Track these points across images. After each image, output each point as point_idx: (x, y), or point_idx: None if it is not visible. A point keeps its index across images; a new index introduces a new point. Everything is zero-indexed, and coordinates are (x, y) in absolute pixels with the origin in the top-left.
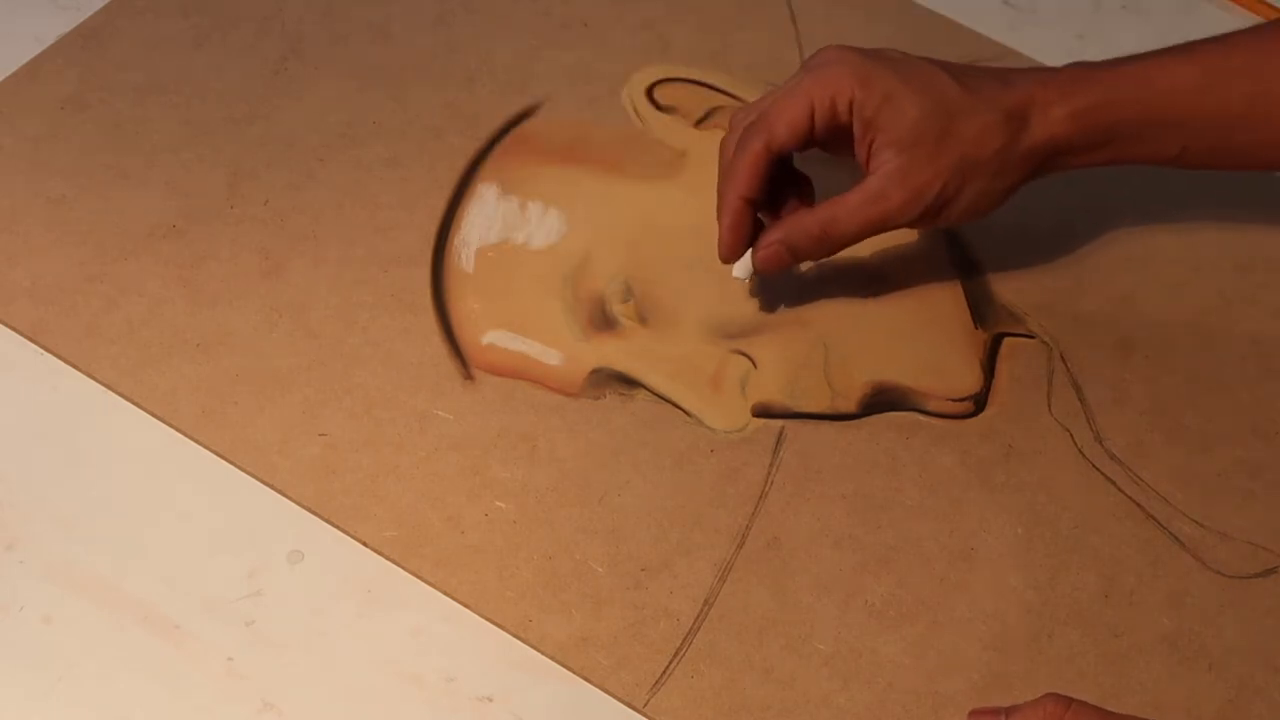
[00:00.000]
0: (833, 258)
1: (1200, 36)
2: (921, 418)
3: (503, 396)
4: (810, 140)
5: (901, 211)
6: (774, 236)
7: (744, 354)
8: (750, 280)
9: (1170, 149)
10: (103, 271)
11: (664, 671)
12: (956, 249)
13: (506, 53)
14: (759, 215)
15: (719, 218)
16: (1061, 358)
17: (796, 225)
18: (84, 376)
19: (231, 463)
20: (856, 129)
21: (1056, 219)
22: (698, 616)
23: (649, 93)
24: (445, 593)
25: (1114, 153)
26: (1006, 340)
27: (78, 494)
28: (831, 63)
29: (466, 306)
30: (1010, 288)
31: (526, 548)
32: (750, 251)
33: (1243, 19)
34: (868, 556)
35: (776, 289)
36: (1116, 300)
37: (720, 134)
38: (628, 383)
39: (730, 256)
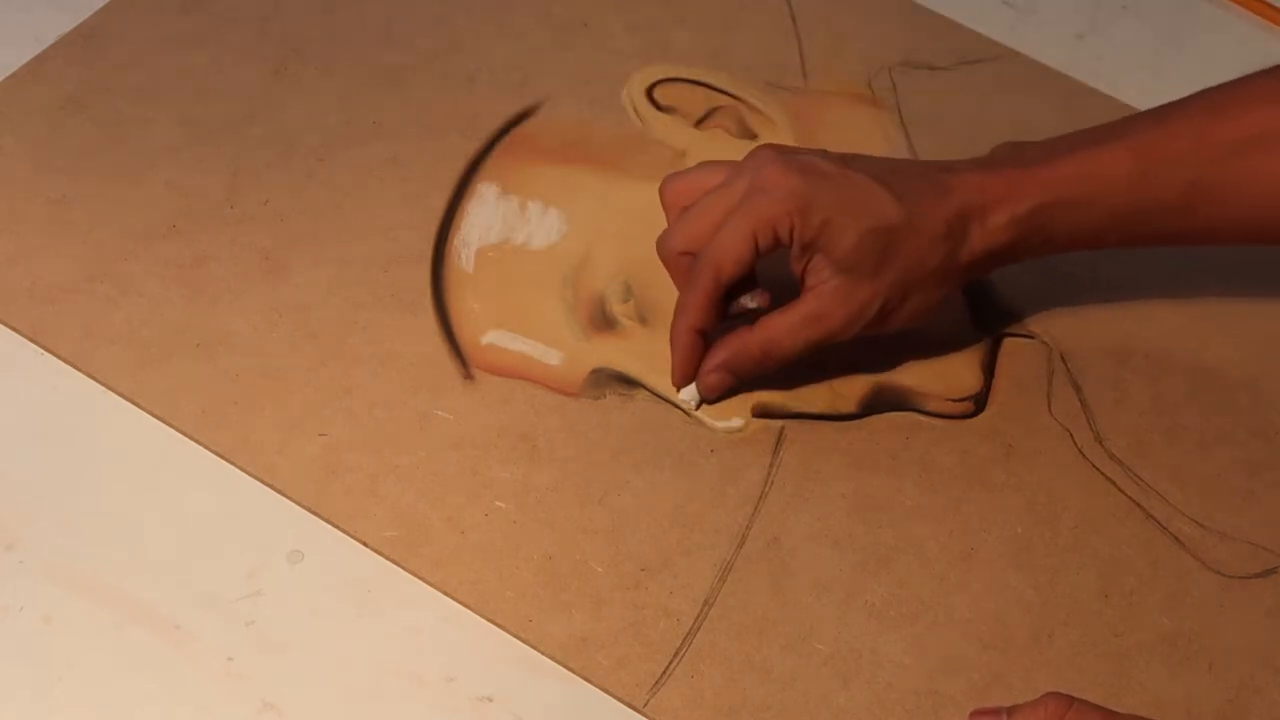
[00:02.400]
0: None
1: (1199, 36)
2: (921, 418)
3: (503, 396)
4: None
5: (841, 330)
6: (716, 361)
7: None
8: (696, 404)
9: (1109, 240)
10: (103, 271)
11: (664, 671)
12: None
13: (506, 53)
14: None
15: (672, 349)
16: (1061, 358)
17: (738, 349)
18: (84, 376)
19: (231, 463)
20: (794, 250)
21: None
22: (698, 616)
23: (649, 93)
24: (445, 593)
25: (1053, 249)
26: (1006, 340)
27: (78, 494)
28: (770, 189)
29: (466, 306)
30: (1010, 288)
31: (526, 548)
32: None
33: (1240, 18)
34: (868, 556)
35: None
36: (1116, 300)
37: (721, 135)
38: (628, 383)
39: (683, 384)
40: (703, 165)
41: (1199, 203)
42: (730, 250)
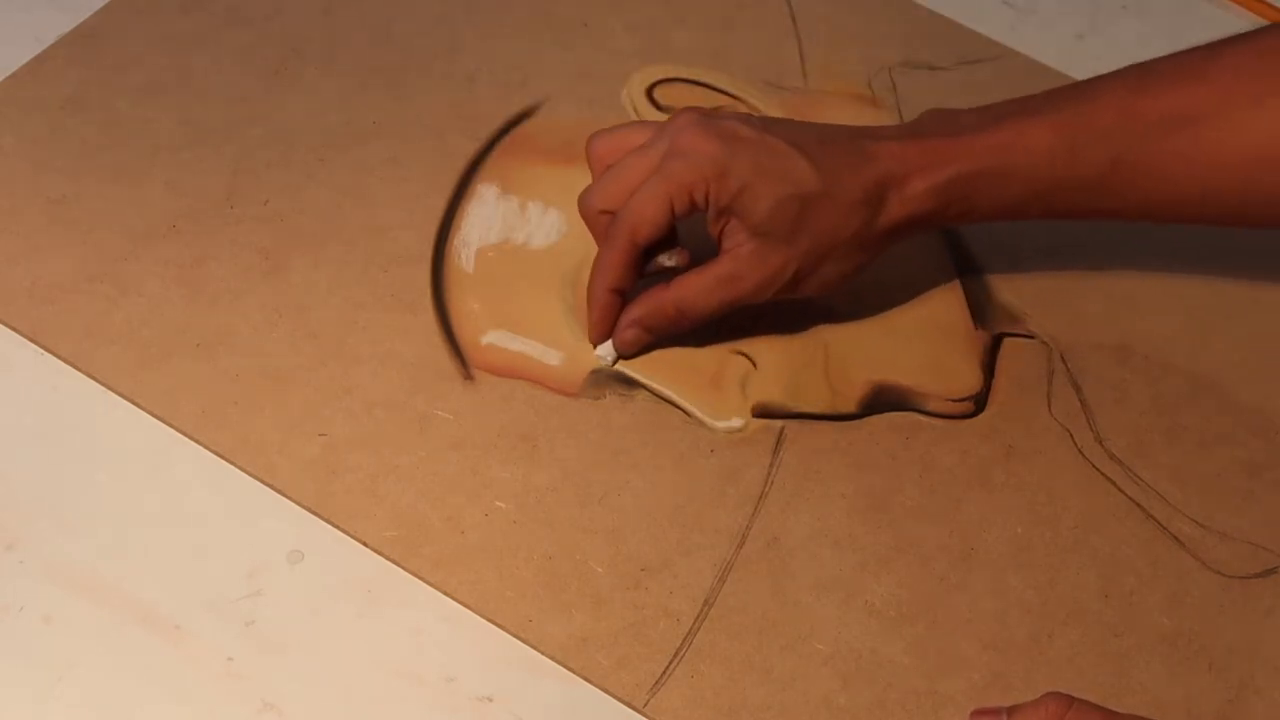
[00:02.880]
0: None
1: (1199, 35)
2: (921, 418)
3: (503, 396)
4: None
5: (754, 294)
6: (631, 316)
7: (744, 354)
8: (612, 359)
9: (1030, 211)
10: (103, 271)
11: (664, 671)
12: (957, 249)
13: (506, 53)
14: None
15: (589, 307)
16: (1061, 358)
17: (653, 306)
18: (84, 376)
19: (231, 463)
20: (710, 214)
21: (1057, 219)
22: (698, 616)
23: (649, 93)
24: (445, 593)
25: (974, 218)
26: (1006, 340)
27: (78, 494)
28: (688, 153)
29: (466, 306)
30: (1010, 288)
31: (526, 548)
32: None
33: (1240, 18)
34: (868, 556)
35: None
36: (1116, 300)
37: None
38: (628, 383)
39: (599, 341)
40: (629, 124)
41: (1120, 180)
42: (646, 213)
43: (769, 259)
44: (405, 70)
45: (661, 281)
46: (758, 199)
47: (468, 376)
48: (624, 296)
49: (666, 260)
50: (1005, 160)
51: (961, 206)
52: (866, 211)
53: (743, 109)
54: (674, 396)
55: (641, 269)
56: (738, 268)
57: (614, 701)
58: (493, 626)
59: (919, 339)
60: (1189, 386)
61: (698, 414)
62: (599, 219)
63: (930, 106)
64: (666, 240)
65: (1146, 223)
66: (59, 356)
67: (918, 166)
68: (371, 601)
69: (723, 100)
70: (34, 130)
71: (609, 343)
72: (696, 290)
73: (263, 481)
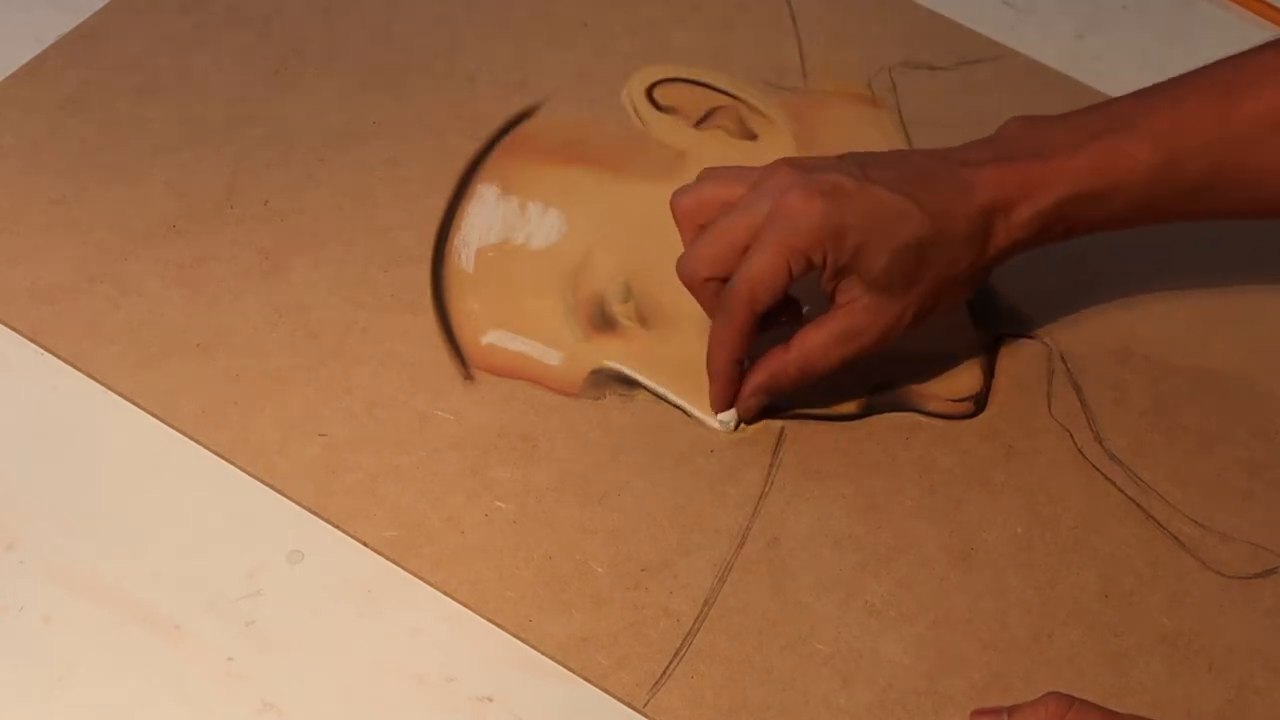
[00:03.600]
0: None
1: (1198, 36)
2: (921, 418)
3: (503, 396)
4: None
5: (876, 345)
6: (755, 384)
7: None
8: (734, 424)
9: (1132, 223)
10: (103, 271)
11: (664, 671)
12: None
13: (506, 53)
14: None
15: (710, 378)
16: (1061, 358)
17: (775, 371)
18: (84, 376)
19: (231, 463)
20: (826, 274)
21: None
22: (698, 616)
23: (649, 93)
24: (445, 593)
25: (1073, 235)
26: (1006, 340)
27: (78, 494)
28: (797, 217)
29: (466, 306)
30: (1010, 288)
31: (526, 548)
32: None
33: (1240, 18)
34: (868, 556)
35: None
36: (1116, 300)
37: (721, 135)
38: (628, 383)
39: (723, 409)
40: (712, 178)
41: (1220, 186)
42: (764, 281)
43: (889, 309)
44: (405, 70)
45: (779, 342)
46: (875, 255)
47: (468, 376)
48: (742, 366)
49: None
50: (1105, 180)
51: (1063, 227)
52: (976, 245)
53: (743, 109)
54: (674, 396)
55: (757, 334)
56: (857, 322)
57: (614, 701)
58: (493, 626)
59: (919, 339)
60: (1189, 386)
61: (698, 414)
62: (705, 286)
63: (930, 106)
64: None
65: (1246, 220)
66: (59, 356)
67: (1019, 194)
68: (371, 601)
69: (723, 100)
70: (34, 130)
71: (732, 410)
72: (817, 350)
73: (263, 481)
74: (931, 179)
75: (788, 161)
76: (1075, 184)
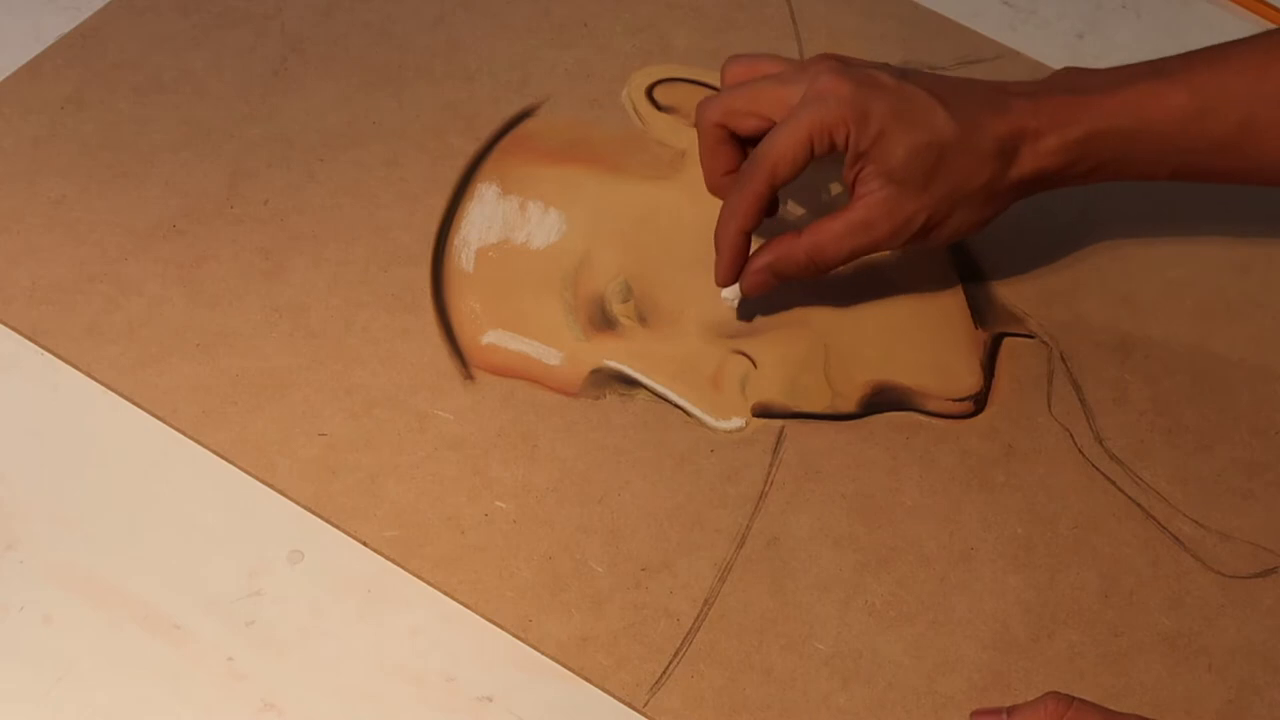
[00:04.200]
0: None
1: (1198, 35)
2: (921, 418)
3: (503, 396)
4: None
5: (887, 240)
6: (762, 262)
7: (744, 354)
8: (737, 302)
9: (1159, 173)
10: (103, 271)
11: (664, 671)
12: (957, 250)
13: (506, 53)
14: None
15: (717, 247)
16: (1061, 358)
17: (784, 252)
18: (84, 376)
19: (231, 463)
20: (848, 158)
21: (1057, 220)
22: (698, 616)
23: (649, 93)
24: (445, 593)
25: (1101, 176)
26: (1006, 340)
27: (78, 494)
28: (828, 95)
29: (466, 306)
30: (1010, 288)
31: (526, 548)
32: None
33: (1240, 18)
34: (868, 556)
35: (776, 290)
36: (1116, 300)
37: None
38: (628, 383)
39: (727, 283)
40: (768, 55)
41: (1251, 141)
42: (786, 153)
43: (902, 206)
44: (405, 70)
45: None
46: (895, 144)
47: (468, 376)
48: (750, 238)
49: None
50: (1137, 119)
51: (1091, 163)
52: (999, 163)
53: None
54: (674, 396)
55: (770, 211)
56: (871, 214)
57: (614, 701)
58: (493, 626)
59: (919, 339)
60: (1189, 386)
61: (698, 414)
62: (713, 130)
63: None
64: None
65: (1272, 186)
66: (59, 356)
67: (1051, 122)
68: (371, 601)
69: None
70: (34, 130)
71: (735, 286)
72: (829, 237)
73: (263, 481)
74: (968, 94)
75: (832, 55)
76: (1107, 118)
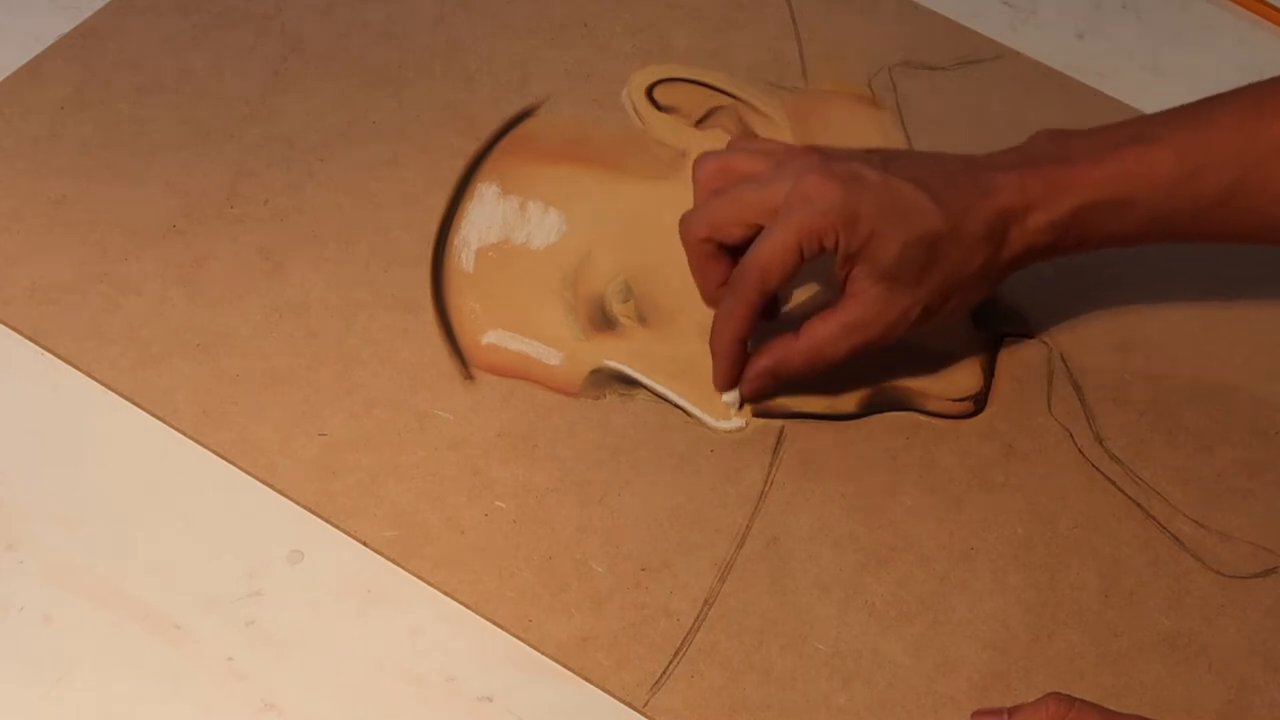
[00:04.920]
0: (834, 257)
1: (1198, 36)
2: (921, 418)
3: (503, 396)
4: None
5: (882, 337)
6: (760, 367)
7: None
8: (738, 403)
9: (1147, 237)
10: (103, 271)
11: (664, 671)
12: None
13: (506, 53)
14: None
15: (714, 355)
16: (1061, 358)
17: (782, 357)
18: (84, 376)
19: (231, 463)
20: (838, 259)
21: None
22: (698, 616)
23: (649, 93)
24: (445, 593)
25: (1090, 245)
26: (1006, 340)
27: (78, 494)
28: (814, 200)
29: (466, 306)
30: (1010, 288)
31: (526, 548)
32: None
33: (1240, 18)
34: (868, 556)
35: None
36: (1116, 300)
37: (721, 135)
38: (628, 383)
39: (726, 389)
40: (740, 150)
41: (1240, 205)
42: (775, 261)
43: (897, 302)
44: (405, 70)
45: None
46: (886, 244)
47: (468, 376)
48: (746, 346)
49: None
50: (1125, 189)
51: (1079, 236)
52: (990, 246)
53: (743, 109)
54: (674, 396)
55: (768, 315)
56: (865, 313)
57: (614, 701)
58: (493, 626)
59: (919, 339)
60: (1189, 386)
61: (698, 414)
62: (699, 246)
63: (930, 106)
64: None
65: (1263, 244)
66: (59, 356)
67: (1037, 198)
68: (371, 601)
69: (723, 100)
70: (34, 130)
71: (735, 391)
72: (824, 339)
73: (263, 481)
74: (952, 179)
75: (815, 147)
76: (1094, 191)
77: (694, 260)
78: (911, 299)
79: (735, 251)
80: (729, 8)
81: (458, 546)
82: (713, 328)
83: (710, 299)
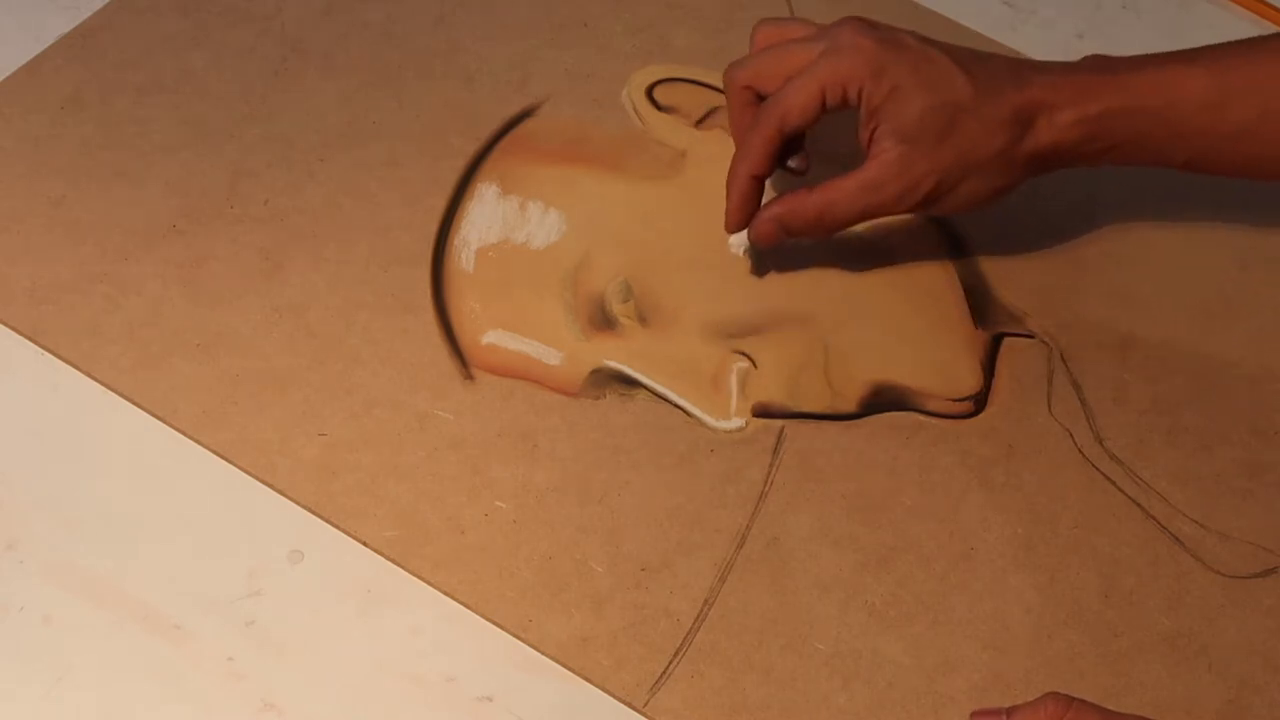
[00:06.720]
0: (834, 256)
1: (1198, 35)
2: (921, 418)
3: (503, 396)
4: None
5: (896, 201)
6: (772, 212)
7: (744, 354)
8: (747, 254)
9: (1175, 158)
10: (103, 271)
11: (664, 671)
12: (957, 249)
13: (506, 53)
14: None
15: (728, 192)
16: (1061, 358)
17: (794, 206)
18: (84, 376)
19: (231, 463)
20: (862, 115)
21: (1057, 219)
22: (698, 616)
23: (649, 93)
24: (445, 593)
25: (1117, 157)
26: (1006, 340)
27: (78, 494)
28: (846, 49)
29: (466, 306)
30: (1010, 288)
31: (526, 548)
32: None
33: (1240, 18)
34: (868, 556)
35: (777, 287)
36: (1116, 300)
37: (721, 135)
38: (628, 383)
39: (736, 229)
40: (798, 20)
41: (1267, 132)
42: (798, 101)
43: (913, 167)
44: (405, 70)
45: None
46: (908, 102)
47: (468, 376)
48: (761, 185)
49: (791, 163)
50: (1157, 99)
51: (1107, 142)
52: (1014, 131)
53: None
54: (674, 396)
55: (780, 160)
56: (881, 174)
57: (614, 701)
58: (493, 626)
59: (919, 339)
60: (1189, 386)
61: (698, 414)
62: (741, 93)
63: None
64: (796, 144)
65: None
66: (59, 356)
67: (1070, 97)
68: (371, 601)
69: (723, 100)
70: (34, 130)
71: (743, 233)
72: (840, 194)
73: (263, 481)
74: (990, 64)
75: (859, 17)
76: (1126, 97)
77: (732, 104)
78: (928, 165)
79: None
80: (729, 8)
81: (458, 546)
82: (731, 164)
83: (742, 144)
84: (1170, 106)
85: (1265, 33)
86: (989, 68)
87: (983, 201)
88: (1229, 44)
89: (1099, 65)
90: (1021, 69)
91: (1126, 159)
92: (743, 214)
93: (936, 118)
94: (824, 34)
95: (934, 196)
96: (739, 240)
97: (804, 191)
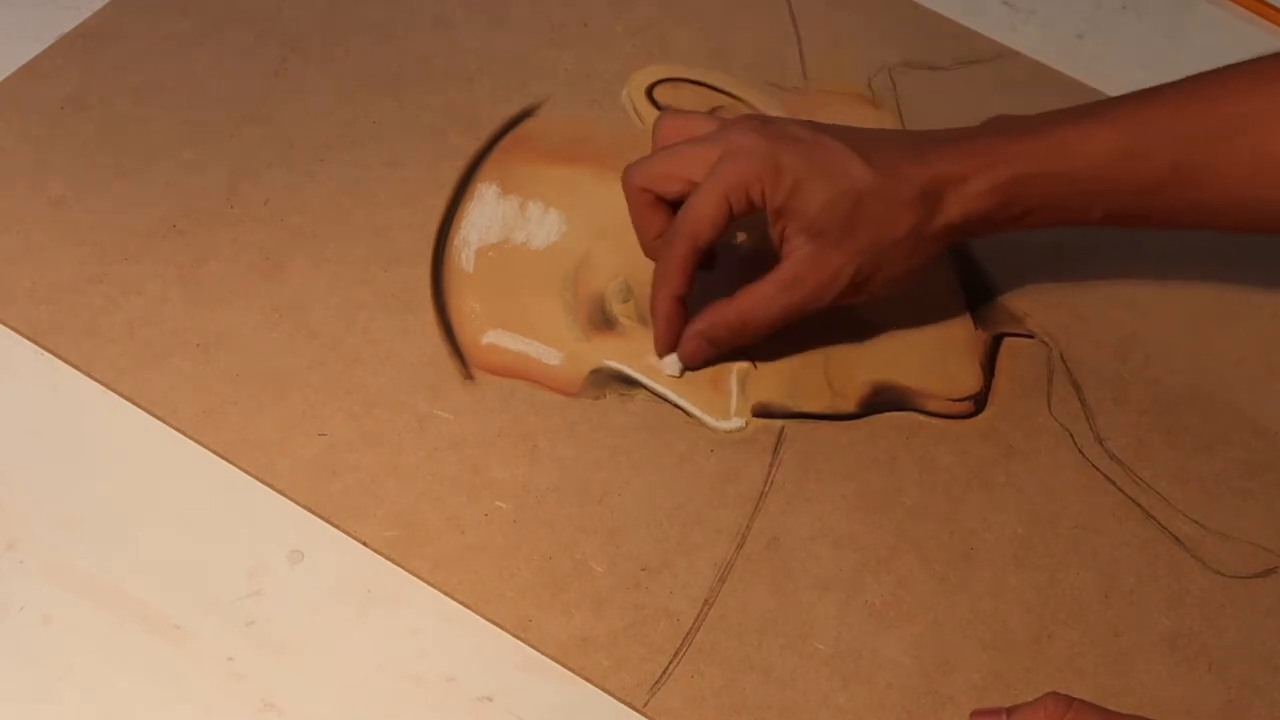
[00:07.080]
0: None
1: (1198, 36)
2: (921, 418)
3: (503, 396)
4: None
5: (815, 297)
6: (695, 329)
7: (744, 354)
8: (680, 371)
9: (1091, 216)
10: (103, 271)
11: (664, 671)
12: (957, 249)
13: (506, 53)
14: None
15: (653, 317)
16: (1061, 358)
17: (716, 318)
18: (84, 376)
19: (231, 463)
20: (769, 217)
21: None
22: (698, 616)
23: (649, 93)
24: (445, 593)
25: (1034, 221)
26: (1006, 340)
27: (78, 494)
28: (741, 152)
29: (466, 306)
30: (1010, 288)
31: (526, 548)
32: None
33: (1240, 18)
34: (868, 556)
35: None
36: (1116, 300)
37: None
38: (628, 383)
39: (666, 351)
40: (698, 115)
41: (1181, 183)
42: (705, 215)
43: (827, 260)
44: (405, 70)
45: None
46: (811, 196)
47: (468, 376)
48: (686, 305)
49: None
50: (1066, 161)
51: (1020, 208)
52: (921, 209)
53: (743, 109)
54: (674, 396)
55: (706, 265)
56: (796, 271)
57: (614, 701)
58: (493, 626)
59: (919, 339)
60: (1189, 386)
61: (698, 414)
62: (639, 195)
63: (930, 106)
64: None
65: (1204, 231)
66: (59, 356)
67: (977, 166)
68: (371, 601)
69: (723, 100)
70: (34, 130)
71: (674, 355)
72: (757, 299)
73: (263, 481)
74: (888, 145)
75: (751, 114)
76: (1034, 161)
77: (633, 209)
78: (842, 256)
79: (674, 206)
80: (729, 8)
81: (458, 546)
82: (652, 288)
83: (648, 250)
84: (1079, 166)
85: (1265, 33)
86: (886, 148)
87: (905, 282)
88: (1130, 95)
89: (1004, 128)
90: (920, 144)
91: (1043, 222)
92: (671, 335)
93: (840, 207)
94: (719, 135)
95: (855, 284)
96: (671, 362)
97: (724, 303)
